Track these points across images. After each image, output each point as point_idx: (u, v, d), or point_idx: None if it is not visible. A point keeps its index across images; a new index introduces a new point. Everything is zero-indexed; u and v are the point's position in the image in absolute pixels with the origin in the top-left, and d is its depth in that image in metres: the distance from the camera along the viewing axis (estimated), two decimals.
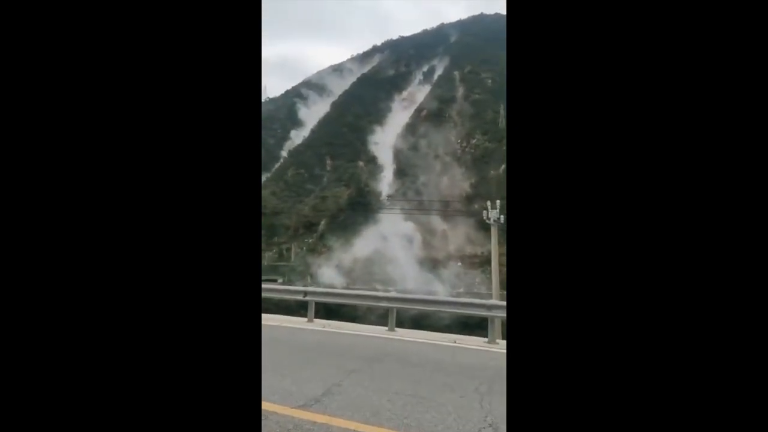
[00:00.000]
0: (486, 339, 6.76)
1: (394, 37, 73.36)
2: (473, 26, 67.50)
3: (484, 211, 16.62)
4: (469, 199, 33.20)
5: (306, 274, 28.74)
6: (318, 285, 22.06)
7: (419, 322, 11.42)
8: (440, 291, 24.45)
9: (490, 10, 68.56)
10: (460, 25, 71.24)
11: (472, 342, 6.66)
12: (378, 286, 23.63)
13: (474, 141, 41.09)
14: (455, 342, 6.39)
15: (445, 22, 75.48)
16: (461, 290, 25.47)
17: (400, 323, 7.69)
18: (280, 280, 26.03)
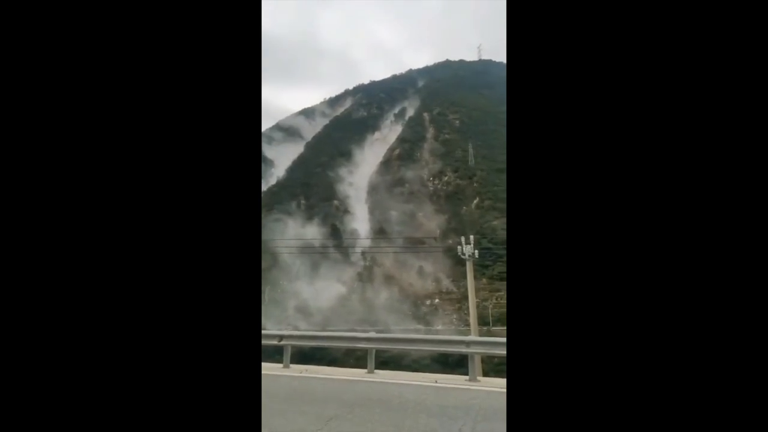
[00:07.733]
0: (467, 377, 6.69)
1: (365, 82, 76.18)
2: (439, 72, 71.36)
3: (459, 247, 16.82)
4: (443, 234, 33.64)
5: (280, 317, 27.80)
6: (293, 328, 21.33)
7: (399, 362, 11.17)
8: (418, 329, 24.10)
9: (454, 57, 72.75)
10: (427, 70, 75.15)
11: (453, 381, 6.56)
12: (355, 326, 23.07)
13: (445, 178, 42.27)
14: (436, 382, 6.28)
15: (413, 68, 79.41)
16: (439, 327, 25.22)
17: (380, 364, 7.51)
18: None
